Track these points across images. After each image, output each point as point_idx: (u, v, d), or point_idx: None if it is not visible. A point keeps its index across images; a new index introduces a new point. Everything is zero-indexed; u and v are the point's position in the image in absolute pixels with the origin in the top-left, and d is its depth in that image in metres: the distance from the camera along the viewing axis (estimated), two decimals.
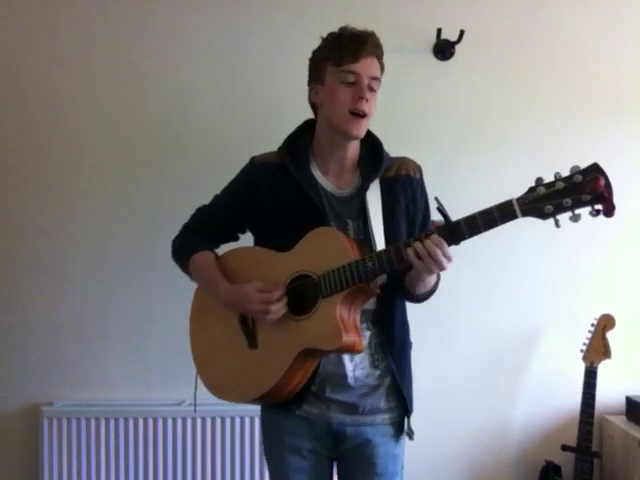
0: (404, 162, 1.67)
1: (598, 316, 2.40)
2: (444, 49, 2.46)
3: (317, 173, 1.64)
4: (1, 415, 2.47)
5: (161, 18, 2.46)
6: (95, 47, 2.46)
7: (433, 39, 2.45)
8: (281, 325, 1.53)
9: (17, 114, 2.47)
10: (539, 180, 1.32)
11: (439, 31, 2.42)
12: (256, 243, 1.71)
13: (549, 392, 2.51)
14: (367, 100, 1.54)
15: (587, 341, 2.39)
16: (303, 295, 1.53)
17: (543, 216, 1.31)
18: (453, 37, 2.42)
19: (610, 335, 2.37)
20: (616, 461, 2.42)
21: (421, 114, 2.48)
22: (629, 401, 2.45)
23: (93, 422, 2.38)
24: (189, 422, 2.38)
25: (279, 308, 1.51)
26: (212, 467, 2.39)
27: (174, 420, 2.38)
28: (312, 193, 1.58)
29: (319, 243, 1.53)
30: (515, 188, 2.53)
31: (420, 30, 2.45)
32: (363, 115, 1.55)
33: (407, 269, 1.53)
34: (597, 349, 2.36)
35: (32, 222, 2.47)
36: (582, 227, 2.50)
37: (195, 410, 1.79)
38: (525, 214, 1.32)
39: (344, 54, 1.55)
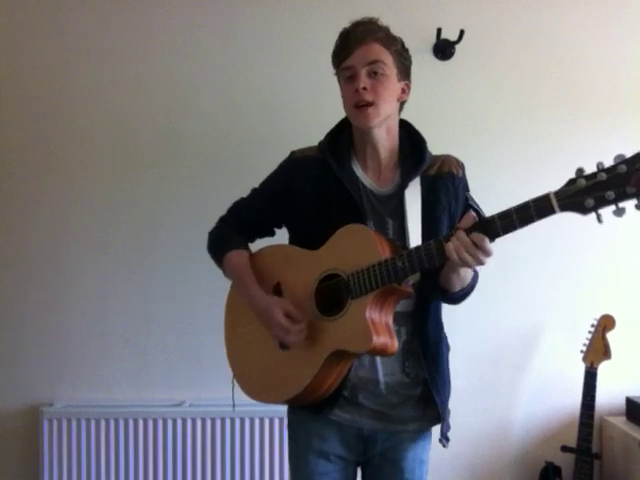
0: (446, 160, 1.63)
1: (598, 317, 2.39)
2: (444, 49, 2.45)
3: (358, 170, 1.61)
4: (1, 415, 2.48)
5: (164, 18, 2.46)
6: (98, 47, 2.46)
7: (433, 39, 2.44)
8: (312, 326, 1.50)
9: (18, 114, 2.47)
10: (580, 171, 1.20)
11: (439, 31, 2.42)
12: (291, 239, 1.68)
13: (549, 392, 2.51)
14: (365, 88, 1.52)
15: (587, 342, 2.38)
16: (334, 294, 1.49)
17: (583, 211, 1.20)
18: (453, 37, 2.42)
19: (610, 336, 2.37)
20: (616, 462, 2.42)
21: (421, 114, 2.43)
22: (629, 402, 2.45)
23: (93, 423, 2.38)
24: (189, 423, 2.38)
25: (295, 340, 1.49)
26: (212, 468, 2.39)
27: (174, 421, 2.38)
28: (353, 190, 1.55)
29: (350, 241, 1.48)
30: (515, 187, 2.53)
31: (420, 30, 2.44)
32: (367, 104, 1.52)
33: (440, 267, 1.46)
34: (597, 350, 2.36)
35: (32, 222, 2.47)
36: (582, 227, 2.50)
37: (234, 408, 1.75)
38: (564, 209, 1.21)
39: (339, 54, 1.57)
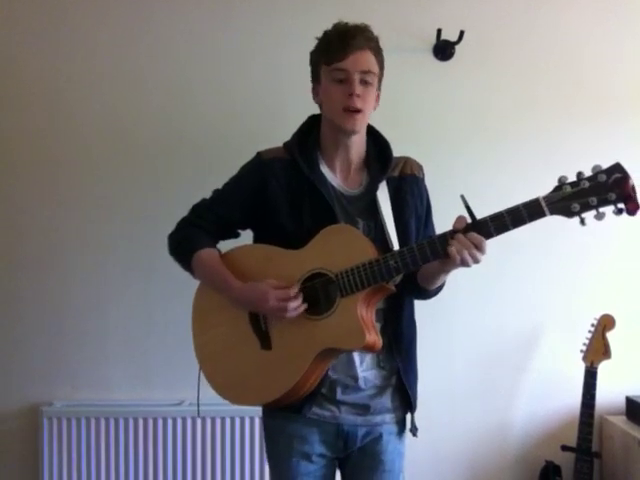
0: (408, 161, 1.68)
1: (598, 316, 2.40)
2: (444, 49, 2.46)
3: (326, 171, 1.64)
4: (1, 415, 2.47)
5: (162, 17, 2.46)
6: (96, 47, 2.46)
7: (433, 39, 2.45)
8: (297, 325, 1.51)
9: (18, 114, 2.47)
10: (563, 179, 1.34)
11: (439, 31, 2.42)
12: (256, 241, 1.69)
13: (549, 392, 2.51)
14: (358, 95, 1.54)
15: (587, 341, 2.39)
16: (317, 294, 1.51)
17: (570, 214, 1.34)
18: (453, 37, 2.42)
19: (610, 335, 2.37)
20: (616, 461, 2.42)
21: (421, 114, 2.48)
22: (629, 401, 2.45)
23: (93, 422, 2.38)
24: (189, 422, 2.38)
25: (297, 305, 1.49)
26: (212, 467, 2.39)
27: (174, 420, 2.38)
28: (324, 191, 1.58)
29: (336, 241, 1.51)
30: (515, 188, 2.54)
31: (420, 30, 2.45)
32: (356, 111, 1.55)
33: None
34: (597, 349, 2.36)
35: (32, 222, 2.47)
36: (582, 227, 2.50)
37: (198, 413, 1.77)
38: (553, 212, 1.35)
39: (332, 52, 1.56)
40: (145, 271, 2.47)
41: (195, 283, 1.72)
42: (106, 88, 2.47)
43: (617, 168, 1.31)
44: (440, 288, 1.65)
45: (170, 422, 2.38)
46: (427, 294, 1.64)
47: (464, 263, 1.41)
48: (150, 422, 2.38)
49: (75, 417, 2.37)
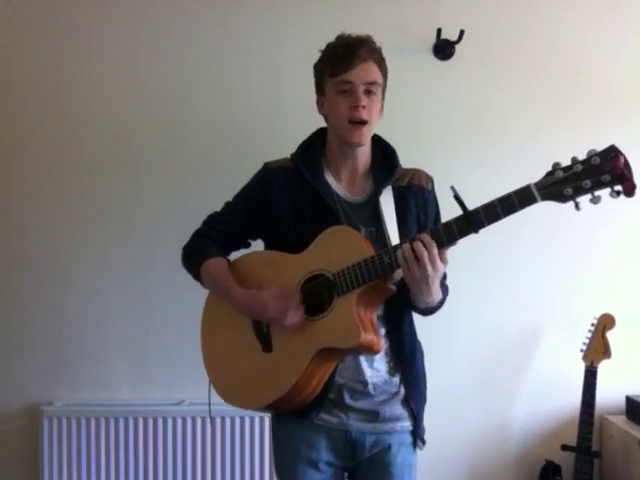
0: (417, 173, 1.68)
1: (598, 316, 2.40)
2: (444, 49, 2.46)
3: (331, 180, 1.65)
4: (1, 415, 2.48)
5: (160, 20, 2.46)
6: (95, 49, 2.46)
7: (433, 39, 2.45)
8: (298, 327, 1.51)
9: (16, 116, 2.47)
10: (556, 164, 1.31)
11: (439, 31, 2.42)
12: (266, 249, 1.70)
13: (549, 392, 2.51)
14: (364, 107, 1.55)
15: (587, 341, 2.39)
16: (318, 295, 1.52)
17: (562, 199, 1.30)
18: (453, 37, 2.42)
19: (610, 335, 2.37)
20: (616, 461, 2.42)
21: (421, 114, 2.48)
22: (629, 401, 2.45)
23: (93, 422, 2.38)
24: (189, 422, 2.38)
25: (296, 315, 1.50)
26: (212, 467, 2.39)
27: (174, 420, 2.38)
28: (327, 198, 1.59)
29: (333, 241, 1.52)
30: (514, 186, 2.53)
31: (420, 30, 2.45)
32: (362, 122, 1.56)
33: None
34: (597, 349, 2.36)
35: (32, 222, 2.47)
36: (582, 226, 2.50)
37: (210, 416, 1.78)
38: (544, 198, 1.31)
39: (337, 65, 1.57)
40: (145, 271, 2.47)
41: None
42: (105, 89, 2.47)
43: (612, 149, 1.26)
44: (432, 309, 1.58)
45: (170, 422, 2.38)
46: (418, 311, 1.61)
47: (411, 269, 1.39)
48: (150, 422, 2.38)
49: (75, 417, 2.38)
